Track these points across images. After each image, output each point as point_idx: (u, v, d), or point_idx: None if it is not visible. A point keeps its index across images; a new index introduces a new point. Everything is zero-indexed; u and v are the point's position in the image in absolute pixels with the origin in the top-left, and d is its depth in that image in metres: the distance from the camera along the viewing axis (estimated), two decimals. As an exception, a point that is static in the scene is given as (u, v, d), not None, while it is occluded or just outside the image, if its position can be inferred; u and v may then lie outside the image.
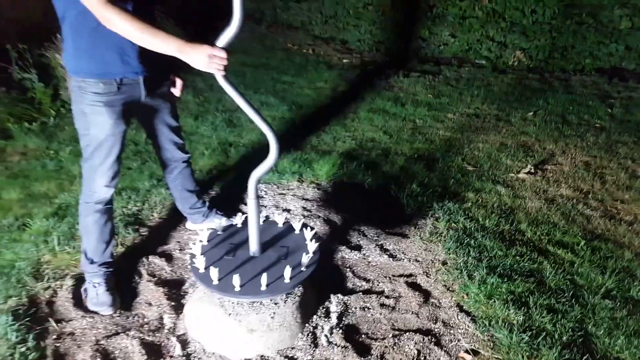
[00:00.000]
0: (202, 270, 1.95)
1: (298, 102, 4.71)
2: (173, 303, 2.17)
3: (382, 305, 2.18)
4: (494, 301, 2.19)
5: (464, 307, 2.20)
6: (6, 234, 2.54)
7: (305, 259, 1.97)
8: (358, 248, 2.58)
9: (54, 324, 2.00)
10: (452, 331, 2.07)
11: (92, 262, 2.18)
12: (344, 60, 6.21)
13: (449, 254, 2.54)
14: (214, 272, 1.88)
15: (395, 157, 3.71)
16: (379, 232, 2.72)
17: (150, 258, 2.44)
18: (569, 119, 4.54)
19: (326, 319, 2.08)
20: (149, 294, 2.22)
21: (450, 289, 2.31)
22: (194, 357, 1.92)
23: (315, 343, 1.97)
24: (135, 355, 1.89)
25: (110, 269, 2.22)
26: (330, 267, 2.43)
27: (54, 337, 1.95)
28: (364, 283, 2.34)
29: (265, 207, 2.90)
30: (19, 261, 2.32)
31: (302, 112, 4.50)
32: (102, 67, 1.88)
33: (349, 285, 2.33)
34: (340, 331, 2.01)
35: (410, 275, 2.41)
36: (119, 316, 2.10)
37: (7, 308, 2.03)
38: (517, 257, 2.52)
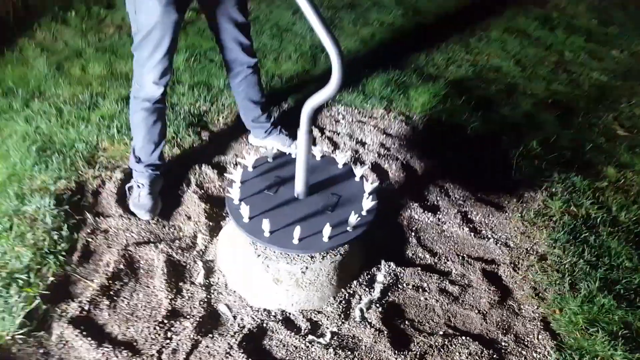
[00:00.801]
0: (236, 201, 1.71)
1: (417, 7, 4.00)
2: (211, 223, 2.00)
3: (443, 290, 1.80)
4: (597, 330, 1.64)
5: (550, 326, 1.71)
6: (77, 111, 2.51)
7: (354, 218, 1.62)
8: (434, 209, 2.15)
9: (91, 217, 1.95)
10: (524, 352, 1.62)
11: (139, 161, 2.05)
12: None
13: (554, 247, 1.99)
14: (245, 209, 1.63)
15: (522, 98, 3.02)
16: (467, 196, 2.23)
17: (204, 167, 2.26)
18: None
19: (367, 289, 1.77)
20: (191, 206, 2.07)
21: (539, 294, 1.82)
22: (214, 290, 1.77)
23: (346, 314, 1.70)
24: (157, 271, 1.78)
25: (157, 172, 2.08)
26: (391, 225, 2.07)
27: (88, 230, 1.90)
28: (427, 256, 1.95)
29: (337, 134, 2.53)
30: (79, 142, 2.28)
31: (418, 20, 3.82)
32: None
33: (409, 253, 1.96)
34: (380, 309, 1.70)
35: (492, 261, 1.95)
36: (155, 223, 1.99)
37: (54, 190, 2.00)
38: (653, 276, 1.84)
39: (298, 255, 1.71)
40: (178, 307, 1.69)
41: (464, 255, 1.96)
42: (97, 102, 2.57)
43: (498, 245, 2.01)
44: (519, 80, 3.23)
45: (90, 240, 1.88)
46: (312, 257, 1.72)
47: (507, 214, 2.16)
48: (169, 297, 1.70)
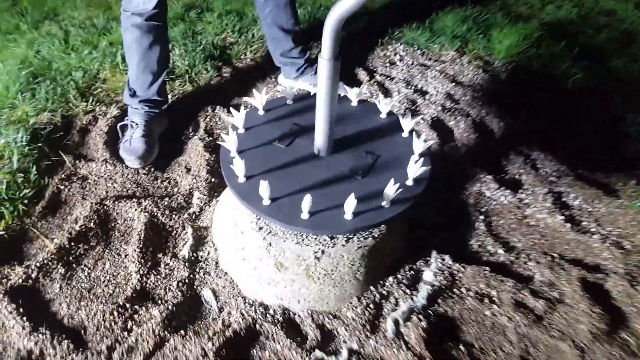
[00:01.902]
0: (232, 153, 1.25)
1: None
2: (214, 180, 1.57)
3: (520, 304, 1.25)
4: None
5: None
6: (86, 35, 2.13)
7: (393, 189, 1.10)
8: (514, 186, 1.57)
9: (69, 160, 1.58)
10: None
11: (134, 94, 1.64)
12: None
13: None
14: (239, 164, 1.16)
15: (642, 50, 2.31)
16: (562, 171, 1.63)
17: (217, 110, 1.81)
18: None
19: (409, 291, 1.26)
20: (194, 156, 1.65)
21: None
22: (200, 268, 1.34)
23: (373, 324, 1.21)
24: (133, 234, 1.39)
25: (155, 110, 1.67)
26: (451, 202, 1.53)
27: (63, 176, 1.53)
28: (500, 250, 1.40)
29: (391, 79, 1.97)
30: (77, 71, 1.90)
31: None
32: None
33: (473, 244, 1.42)
34: (425, 323, 1.19)
35: (596, 268, 1.36)
36: (146, 174, 1.59)
37: (31, 123, 1.65)
38: None
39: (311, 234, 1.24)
40: (150, 286, 1.28)
41: (555, 254, 1.39)
42: (110, 27, 2.18)
43: (606, 244, 1.41)
44: (639, 27, 2.48)
45: (62, 187, 1.51)
46: (332, 238, 1.23)
47: (620, 201, 1.53)
48: (141, 271, 1.30)
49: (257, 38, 2.14)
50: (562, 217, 1.47)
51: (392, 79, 1.96)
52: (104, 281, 1.29)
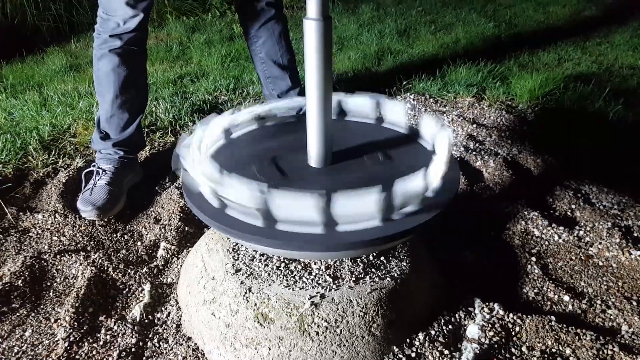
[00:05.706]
0: (195, 155, 0.95)
1: (512, 22, 3.26)
2: (187, 229, 1.25)
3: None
4: None
5: None
6: (66, 99, 1.97)
7: (416, 184, 0.78)
8: (568, 223, 1.23)
9: (9, 212, 1.28)
10: None
11: (105, 137, 1.40)
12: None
13: None
14: (204, 176, 0.86)
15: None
16: (626, 202, 1.30)
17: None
18: None
19: (447, 352, 0.86)
20: (167, 205, 1.34)
21: None
22: (154, 334, 0.96)
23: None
24: (71, 294, 1.03)
25: (131, 156, 1.42)
26: (492, 243, 1.17)
27: (-1, 229, 1.23)
28: (566, 297, 1.01)
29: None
30: (45, 126, 1.70)
31: (514, 31, 3.06)
32: None
33: (527, 291, 1.04)
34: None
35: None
36: (103, 225, 1.27)
37: (-23, 174, 1.39)
38: None
39: (306, 271, 0.88)
40: (81, 358, 0.90)
41: (642, 299, 1.00)
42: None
43: None
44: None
45: (-6, 241, 1.19)
46: (335, 279, 0.88)
47: None
48: (72, 337, 0.93)
49: (253, 94, 1.96)
50: (638, 252, 1.09)
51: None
52: (17, 353, 0.91)
